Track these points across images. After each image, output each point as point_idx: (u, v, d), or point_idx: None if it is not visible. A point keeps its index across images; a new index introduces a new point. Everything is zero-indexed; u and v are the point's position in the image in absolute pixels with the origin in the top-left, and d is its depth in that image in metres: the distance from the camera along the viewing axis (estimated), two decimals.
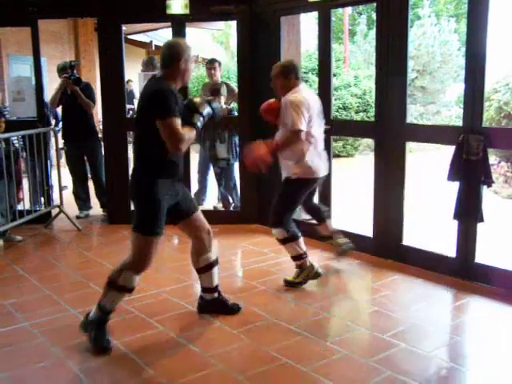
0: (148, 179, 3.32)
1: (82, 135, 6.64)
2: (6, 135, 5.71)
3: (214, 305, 3.85)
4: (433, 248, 4.76)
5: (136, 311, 3.94)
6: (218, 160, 6.59)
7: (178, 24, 5.99)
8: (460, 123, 4.52)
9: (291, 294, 4.26)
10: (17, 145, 6.29)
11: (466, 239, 4.39)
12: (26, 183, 6.38)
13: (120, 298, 3.42)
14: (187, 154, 5.87)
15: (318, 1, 5.15)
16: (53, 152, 6.88)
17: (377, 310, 3.94)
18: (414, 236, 5.02)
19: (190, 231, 3.69)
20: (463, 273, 4.43)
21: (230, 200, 6.74)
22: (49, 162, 6.59)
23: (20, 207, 6.10)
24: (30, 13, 6.06)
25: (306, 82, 12.04)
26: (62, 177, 6.51)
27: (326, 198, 5.44)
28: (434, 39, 15.27)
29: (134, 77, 8.82)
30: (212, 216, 6.70)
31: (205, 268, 3.77)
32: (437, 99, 15.60)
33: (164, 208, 3.35)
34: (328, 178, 5.40)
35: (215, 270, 3.81)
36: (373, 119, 5.31)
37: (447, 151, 4.65)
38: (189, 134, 3.26)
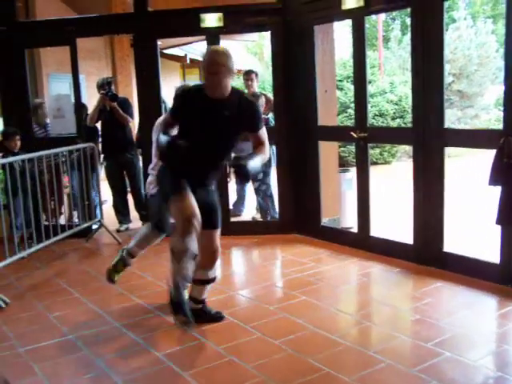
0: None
1: (120, 149, 6.74)
2: (47, 152, 5.84)
3: (197, 314, 3.75)
4: (475, 254, 4.67)
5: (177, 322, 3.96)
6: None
7: (213, 37, 6.05)
8: (500, 126, 4.44)
9: (332, 304, 4.23)
10: (59, 161, 6.44)
11: (510, 245, 4.30)
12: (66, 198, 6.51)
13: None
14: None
15: (352, 8, 5.13)
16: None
17: (419, 318, 3.88)
18: (455, 242, 4.93)
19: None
20: (507, 279, 4.33)
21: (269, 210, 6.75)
22: (95, 176, 6.70)
23: (62, 222, 6.23)
24: (68, 32, 6.20)
25: (341, 89, 12.01)
26: (101, 191, 6.64)
27: (364, 205, 5.40)
28: (470, 42, 15.04)
29: (170, 90, 8.91)
30: (251, 227, 6.78)
31: (200, 281, 3.83)
32: (474, 103, 15.34)
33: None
34: (366, 185, 5.37)
35: (208, 286, 3.89)
36: (410, 125, 5.25)
37: (484, 156, 4.57)
38: (160, 137, 3.44)
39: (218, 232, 3.71)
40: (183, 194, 3.40)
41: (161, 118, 4.45)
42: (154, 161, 4.38)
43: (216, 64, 3.36)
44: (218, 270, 3.91)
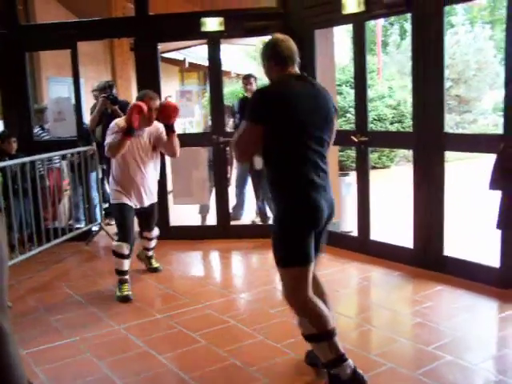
0: None
1: None
2: (47, 155, 5.87)
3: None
4: (475, 258, 4.69)
5: (179, 326, 3.97)
6: (255, 171, 6.63)
7: (214, 41, 6.07)
8: (498, 131, 4.46)
9: (333, 307, 4.23)
10: (58, 164, 6.47)
11: (510, 249, 4.32)
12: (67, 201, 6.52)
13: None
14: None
15: (353, 13, 5.16)
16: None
17: (420, 321, 3.90)
18: (455, 246, 4.95)
19: None
20: (507, 283, 4.35)
21: (268, 213, 6.76)
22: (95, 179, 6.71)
23: (59, 225, 6.23)
24: (69, 36, 6.21)
25: (340, 94, 12.04)
26: (102, 194, 6.65)
27: (364, 209, 5.42)
28: (468, 47, 15.10)
29: (169, 94, 8.93)
30: (250, 231, 6.78)
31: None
32: (473, 107, 15.39)
33: None
34: (366, 189, 5.39)
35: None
36: (408, 130, 5.28)
37: (483, 160, 4.59)
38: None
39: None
40: (310, 268, 2.91)
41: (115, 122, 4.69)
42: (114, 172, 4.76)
43: (295, 52, 3.08)
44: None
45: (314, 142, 2.85)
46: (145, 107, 4.43)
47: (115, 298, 4.60)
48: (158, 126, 4.76)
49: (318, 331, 2.90)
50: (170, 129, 4.68)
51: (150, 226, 5.11)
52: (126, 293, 4.60)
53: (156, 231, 5.23)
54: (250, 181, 6.99)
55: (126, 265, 4.68)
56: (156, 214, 5.12)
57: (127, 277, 4.70)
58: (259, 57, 3.12)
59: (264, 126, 2.77)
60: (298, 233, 2.86)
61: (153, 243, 5.27)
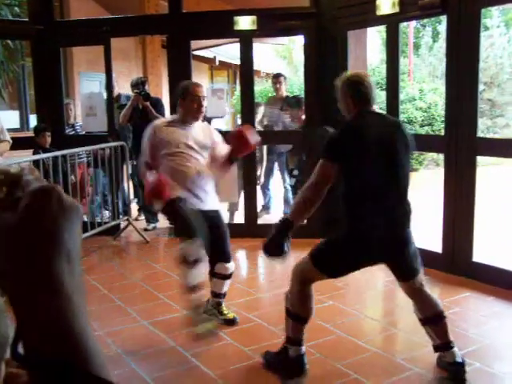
0: None
1: None
2: (79, 149, 5.95)
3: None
4: (505, 265, 4.62)
5: None
6: (292, 170, 6.68)
7: (246, 39, 6.08)
8: None
9: (359, 309, 4.22)
10: (84, 159, 6.56)
11: None
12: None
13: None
14: None
15: (387, 14, 5.12)
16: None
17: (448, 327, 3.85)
18: (485, 252, 4.89)
19: None
20: None
21: None
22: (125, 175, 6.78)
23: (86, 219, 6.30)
24: (103, 32, 6.28)
25: None
26: (130, 190, 6.72)
27: None
28: (502, 50, 14.87)
29: None
30: None
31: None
32: (505, 112, 15.16)
33: None
34: None
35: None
36: (438, 133, 5.22)
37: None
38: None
39: None
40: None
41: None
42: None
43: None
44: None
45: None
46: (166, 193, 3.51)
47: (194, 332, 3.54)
48: (211, 129, 4.09)
49: (295, 312, 3.13)
50: (232, 161, 3.89)
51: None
52: (207, 326, 3.53)
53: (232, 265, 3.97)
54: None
55: (197, 276, 3.53)
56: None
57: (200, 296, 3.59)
58: (338, 90, 3.15)
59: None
60: (349, 253, 3.08)
61: (226, 285, 4.01)
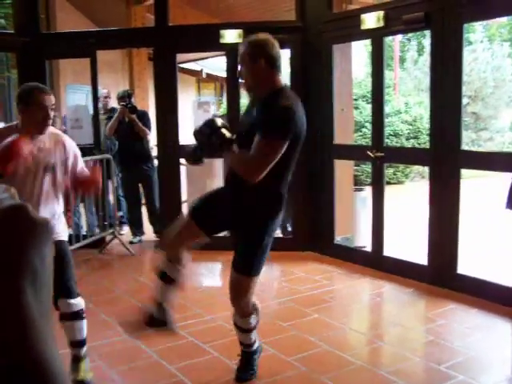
0: None
1: (137, 161, 6.79)
2: None
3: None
4: (490, 277, 4.65)
5: (190, 337, 3.97)
6: None
7: (232, 53, 6.09)
8: None
9: (345, 322, 4.22)
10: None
11: None
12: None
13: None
14: None
15: (371, 28, 5.17)
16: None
17: (432, 339, 3.86)
18: (469, 264, 4.91)
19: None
20: None
21: (288, 228, 6.63)
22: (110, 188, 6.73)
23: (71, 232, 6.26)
24: (89, 44, 6.28)
25: (357, 108, 12.03)
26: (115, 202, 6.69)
27: (378, 224, 5.39)
28: (486, 64, 15.05)
29: (185, 104, 8.98)
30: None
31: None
32: (489, 125, 15.32)
33: None
34: (380, 205, 5.37)
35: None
36: (424, 146, 5.26)
37: (499, 178, 4.55)
38: None
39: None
40: None
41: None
42: None
43: None
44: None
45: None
46: (23, 151, 2.82)
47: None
48: (66, 141, 3.26)
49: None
50: None
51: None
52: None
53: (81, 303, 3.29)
54: None
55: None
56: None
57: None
58: (246, 54, 2.89)
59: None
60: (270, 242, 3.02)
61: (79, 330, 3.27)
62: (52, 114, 3.09)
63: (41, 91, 3.07)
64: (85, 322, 3.26)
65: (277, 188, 2.91)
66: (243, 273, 3.02)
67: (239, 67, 2.98)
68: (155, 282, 3.23)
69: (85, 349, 3.28)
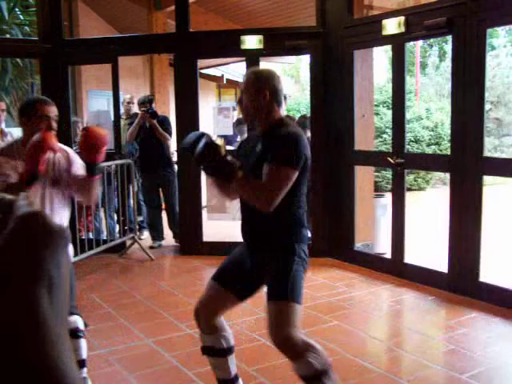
0: None
1: (157, 166, 6.83)
2: None
3: None
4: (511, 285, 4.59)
5: None
6: None
7: (253, 59, 6.11)
8: None
9: (364, 330, 4.19)
10: None
11: None
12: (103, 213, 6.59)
13: None
14: None
15: (392, 34, 5.14)
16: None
17: (453, 348, 3.81)
18: (491, 272, 4.85)
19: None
20: None
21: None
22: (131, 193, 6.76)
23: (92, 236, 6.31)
24: (111, 50, 6.34)
25: (377, 114, 11.98)
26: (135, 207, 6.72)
27: (399, 231, 5.35)
28: (509, 69, 14.91)
29: (206, 110, 9.01)
30: None
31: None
32: None
33: None
34: (401, 211, 5.33)
35: None
36: (445, 152, 5.22)
37: None
38: None
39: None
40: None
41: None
42: None
43: None
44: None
45: None
46: (55, 143, 2.88)
47: None
48: (70, 152, 3.22)
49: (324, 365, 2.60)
50: (92, 170, 3.03)
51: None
52: None
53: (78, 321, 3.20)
54: None
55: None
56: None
57: None
58: (250, 85, 2.78)
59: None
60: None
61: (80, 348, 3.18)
62: (55, 124, 3.06)
63: (43, 102, 3.07)
64: (83, 341, 3.17)
65: (292, 214, 2.76)
66: (278, 297, 2.66)
67: (239, 95, 2.90)
68: (209, 362, 2.98)
69: (85, 371, 3.19)
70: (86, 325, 3.24)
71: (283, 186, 2.59)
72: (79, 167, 3.12)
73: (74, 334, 3.11)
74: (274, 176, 2.59)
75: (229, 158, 2.63)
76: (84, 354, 3.15)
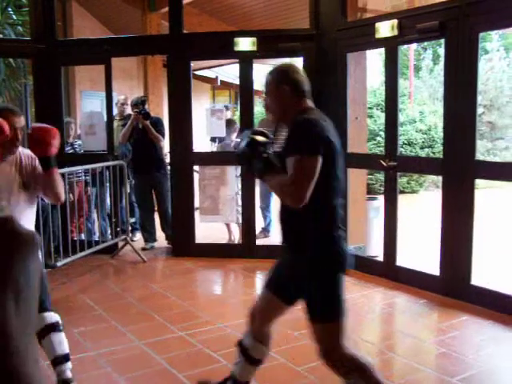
0: None
1: (150, 168, 6.80)
2: (76, 168, 5.95)
3: None
4: (503, 289, 4.59)
5: (200, 345, 3.95)
6: None
7: (246, 60, 6.11)
8: None
9: (356, 332, 4.18)
10: (82, 177, 6.56)
11: None
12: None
13: None
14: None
15: (386, 37, 5.15)
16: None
17: (445, 351, 3.81)
18: (483, 276, 4.86)
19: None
20: None
21: None
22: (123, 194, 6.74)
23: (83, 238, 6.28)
24: (104, 51, 6.32)
25: (371, 117, 11.99)
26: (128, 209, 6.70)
27: (391, 234, 5.35)
28: (502, 73, 14.96)
29: (200, 111, 9.00)
30: (278, 251, 6.70)
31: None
32: (505, 135, 15.20)
33: None
34: (393, 214, 5.33)
35: None
36: (438, 155, 5.22)
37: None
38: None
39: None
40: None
41: None
42: None
43: None
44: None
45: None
46: (6, 126, 2.91)
47: None
48: (32, 155, 3.19)
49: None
50: (46, 164, 3.06)
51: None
52: None
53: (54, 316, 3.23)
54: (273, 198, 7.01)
55: None
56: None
57: None
58: (269, 85, 2.73)
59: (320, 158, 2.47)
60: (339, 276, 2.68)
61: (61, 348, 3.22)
62: (20, 135, 3.05)
63: (9, 112, 3.04)
64: (63, 335, 3.20)
65: (322, 210, 2.60)
66: (313, 320, 2.69)
67: (265, 99, 2.83)
68: (235, 354, 3.03)
69: (69, 367, 3.19)
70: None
71: (304, 176, 2.42)
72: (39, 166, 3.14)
73: (55, 328, 3.14)
74: (292, 168, 2.45)
75: (262, 149, 2.57)
76: (67, 348, 3.18)
